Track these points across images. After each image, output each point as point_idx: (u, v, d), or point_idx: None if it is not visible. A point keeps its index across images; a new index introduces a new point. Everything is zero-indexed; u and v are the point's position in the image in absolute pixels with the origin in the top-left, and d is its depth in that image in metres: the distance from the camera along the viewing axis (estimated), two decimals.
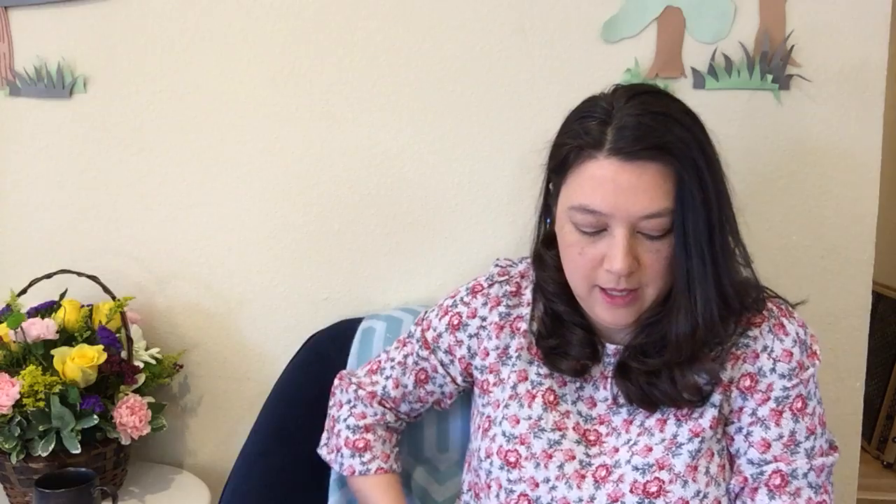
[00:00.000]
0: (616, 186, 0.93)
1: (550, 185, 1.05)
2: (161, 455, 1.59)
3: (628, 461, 1.00)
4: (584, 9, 1.34)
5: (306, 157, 1.46)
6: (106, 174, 1.53)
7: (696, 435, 0.99)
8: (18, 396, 1.27)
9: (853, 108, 1.31)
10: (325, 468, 1.24)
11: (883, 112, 1.31)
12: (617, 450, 1.02)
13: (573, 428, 1.04)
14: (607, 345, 1.06)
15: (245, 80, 1.45)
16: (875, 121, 1.31)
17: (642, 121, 0.93)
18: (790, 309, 1.04)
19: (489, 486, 1.06)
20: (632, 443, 1.01)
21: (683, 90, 1.34)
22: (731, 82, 1.32)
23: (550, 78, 1.37)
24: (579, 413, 1.05)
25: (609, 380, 1.05)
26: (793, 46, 1.30)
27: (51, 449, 1.28)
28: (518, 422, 1.05)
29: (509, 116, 1.39)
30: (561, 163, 0.99)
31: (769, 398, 0.99)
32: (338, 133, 1.44)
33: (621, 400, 1.04)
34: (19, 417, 1.29)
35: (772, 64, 1.30)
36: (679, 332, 0.97)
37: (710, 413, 1.00)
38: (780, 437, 0.99)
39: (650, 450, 1.00)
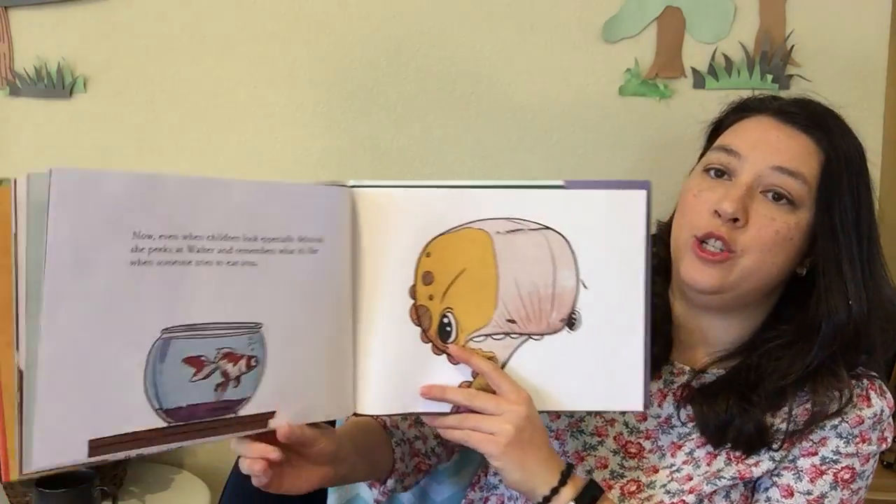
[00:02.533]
0: (762, 136, 0.93)
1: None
2: (161, 455, 1.58)
3: (664, 485, 0.96)
4: (584, 9, 1.34)
5: (306, 158, 1.46)
6: None
7: (742, 478, 0.94)
8: None
9: (853, 107, 1.30)
10: None
11: (883, 112, 1.31)
12: (656, 470, 0.97)
13: (614, 438, 1.00)
14: (677, 363, 1.01)
15: (245, 80, 1.45)
16: (875, 121, 1.31)
17: (811, 103, 0.97)
18: (884, 388, 0.96)
19: None
20: (674, 469, 0.97)
21: (683, 90, 1.34)
22: (731, 82, 1.32)
23: (550, 78, 1.37)
24: (625, 424, 1.00)
25: (667, 398, 0.99)
26: (793, 46, 1.30)
27: None
28: (558, 416, 1.02)
29: (509, 116, 1.39)
30: (717, 125, 1.01)
31: (816, 453, 0.93)
32: (338, 133, 1.44)
33: (674, 421, 0.98)
34: None
35: (772, 64, 1.30)
36: (833, 320, 0.92)
37: (766, 465, 0.94)
38: (809, 493, 0.92)
39: (690, 479, 0.95)
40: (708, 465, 0.95)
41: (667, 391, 1.00)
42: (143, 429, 0.74)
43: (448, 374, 0.87)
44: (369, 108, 1.42)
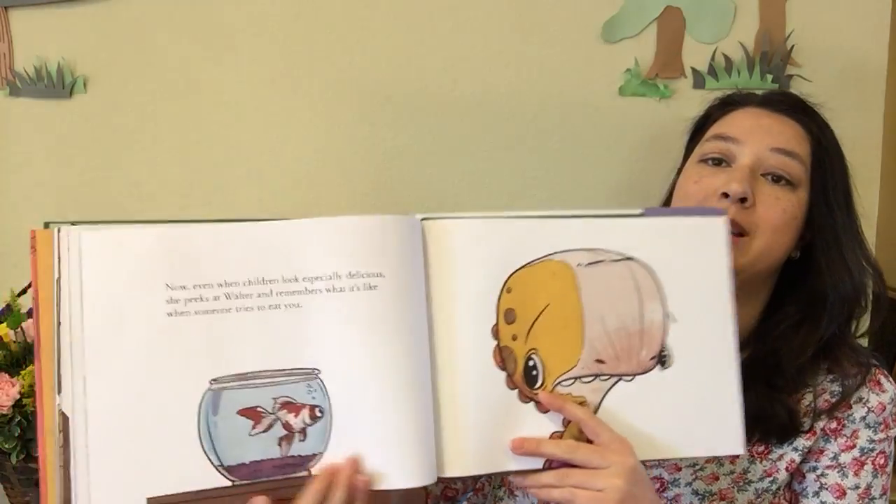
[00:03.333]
0: (756, 122, 0.97)
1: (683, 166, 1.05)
2: None
3: (689, 483, 0.96)
4: (584, 9, 1.34)
5: (306, 157, 1.46)
6: (106, 174, 1.53)
7: (769, 475, 0.95)
8: (18, 396, 1.27)
9: (853, 108, 1.30)
10: None
11: (883, 112, 1.31)
12: (679, 468, 0.97)
13: None
14: None
15: (245, 80, 1.45)
16: (875, 121, 1.31)
17: (790, 93, 1.04)
18: (885, 372, 1.00)
19: None
20: (698, 468, 0.97)
21: (683, 90, 1.34)
22: (731, 82, 1.32)
23: (550, 78, 1.37)
24: None
25: None
26: (793, 46, 1.30)
27: None
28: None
29: (509, 116, 1.39)
30: (702, 120, 1.04)
31: (854, 446, 0.96)
32: (338, 133, 1.44)
33: None
34: (19, 417, 1.29)
35: (772, 64, 1.30)
36: (839, 291, 0.95)
37: (789, 456, 0.96)
38: (857, 487, 0.95)
39: (716, 479, 0.96)
40: (732, 463, 0.96)
41: None
42: (207, 488, 0.71)
43: (537, 425, 0.79)
44: (369, 109, 1.42)
